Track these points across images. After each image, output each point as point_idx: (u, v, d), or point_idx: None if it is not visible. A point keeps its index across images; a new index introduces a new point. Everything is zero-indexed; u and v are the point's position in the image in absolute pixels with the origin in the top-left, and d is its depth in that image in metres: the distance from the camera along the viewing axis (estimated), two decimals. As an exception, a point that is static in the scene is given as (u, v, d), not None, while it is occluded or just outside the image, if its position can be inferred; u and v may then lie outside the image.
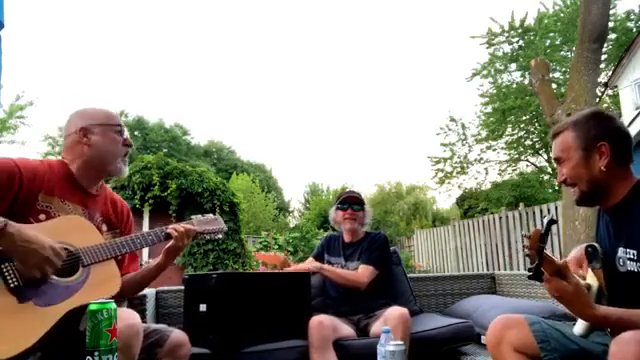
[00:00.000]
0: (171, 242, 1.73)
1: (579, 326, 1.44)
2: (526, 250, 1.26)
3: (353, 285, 2.44)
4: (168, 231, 1.73)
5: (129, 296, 1.79)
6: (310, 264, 2.56)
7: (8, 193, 1.44)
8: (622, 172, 1.39)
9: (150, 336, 1.53)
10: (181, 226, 1.75)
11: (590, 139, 1.39)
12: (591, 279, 1.45)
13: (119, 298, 1.26)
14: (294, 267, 2.62)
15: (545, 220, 1.27)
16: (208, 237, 1.87)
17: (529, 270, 1.26)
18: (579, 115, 1.47)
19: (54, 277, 1.40)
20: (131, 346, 1.31)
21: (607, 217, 1.46)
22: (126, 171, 1.73)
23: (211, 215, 1.91)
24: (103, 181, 1.76)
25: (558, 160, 1.47)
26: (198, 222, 1.83)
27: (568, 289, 1.25)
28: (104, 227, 1.69)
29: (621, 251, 1.35)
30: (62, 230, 1.49)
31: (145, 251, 7.85)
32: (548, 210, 7.56)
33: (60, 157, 1.69)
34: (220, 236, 1.90)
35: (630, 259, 1.31)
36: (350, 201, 2.64)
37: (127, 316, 1.39)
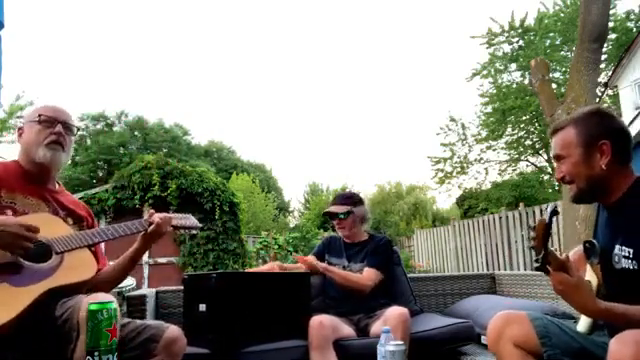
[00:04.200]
0: (152, 227, 1.75)
1: (582, 323, 1.44)
2: (531, 242, 1.26)
3: (357, 288, 2.43)
4: (150, 219, 1.76)
5: (109, 289, 1.79)
6: (317, 263, 2.51)
7: None
8: (622, 170, 1.38)
9: (145, 332, 1.53)
10: (162, 213, 1.81)
11: (591, 137, 1.38)
12: (591, 276, 1.45)
13: (105, 289, 1.28)
14: (301, 260, 2.54)
15: (548, 210, 1.28)
16: (183, 232, 1.94)
17: (536, 261, 1.26)
18: (580, 112, 1.46)
19: (27, 263, 1.42)
20: None
21: (606, 214, 1.46)
22: (50, 157, 1.66)
23: (181, 214, 1.97)
24: (59, 181, 1.81)
25: (558, 157, 1.46)
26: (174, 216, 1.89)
27: (571, 282, 1.25)
28: (70, 220, 1.71)
29: (617, 248, 1.35)
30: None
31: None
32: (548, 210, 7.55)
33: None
34: (195, 232, 1.98)
35: (625, 257, 1.32)
36: (330, 216, 2.64)
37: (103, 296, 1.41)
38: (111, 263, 1.85)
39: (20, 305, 1.33)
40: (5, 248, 1.36)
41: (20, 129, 1.73)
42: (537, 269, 1.28)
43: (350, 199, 2.66)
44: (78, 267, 1.52)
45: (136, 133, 24.86)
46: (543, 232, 1.24)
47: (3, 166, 1.65)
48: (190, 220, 1.95)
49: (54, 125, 1.71)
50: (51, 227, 1.56)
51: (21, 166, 1.69)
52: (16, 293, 1.36)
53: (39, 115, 1.70)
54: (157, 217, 1.78)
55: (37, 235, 1.46)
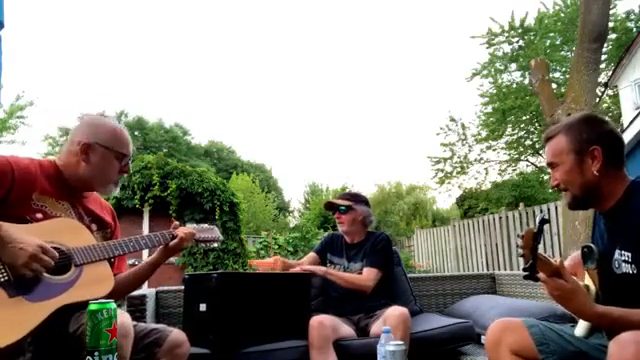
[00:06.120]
0: (175, 241, 1.74)
1: (580, 327, 1.44)
2: (520, 250, 1.26)
3: (358, 289, 2.43)
4: (176, 232, 1.75)
5: (124, 296, 1.81)
6: (316, 269, 2.52)
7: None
8: (615, 175, 1.38)
9: (149, 335, 1.53)
10: (186, 228, 1.79)
11: (582, 143, 1.39)
12: (589, 281, 1.45)
13: (114, 299, 1.26)
14: (299, 267, 2.57)
15: (537, 219, 1.28)
16: (204, 245, 1.89)
17: (524, 270, 1.26)
18: (571, 119, 1.47)
19: (46, 275, 1.40)
20: (120, 347, 1.30)
21: (603, 220, 1.47)
22: (115, 191, 1.75)
23: (206, 225, 1.94)
24: None
25: (551, 165, 1.47)
26: (194, 229, 1.86)
27: (566, 287, 1.25)
28: (94, 226, 1.69)
29: (617, 253, 1.35)
30: (53, 231, 1.48)
31: (145, 250, 7.86)
32: (548, 210, 7.56)
33: (54, 157, 1.69)
34: (216, 245, 1.92)
35: (625, 261, 1.32)
36: (329, 207, 2.65)
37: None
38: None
39: (31, 323, 1.31)
40: (18, 267, 1.33)
41: (87, 147, 1.63)
42: (525, 277, 1.27)
43: (354, 196, 2.68)
44: (95, 283, 1.49)
45: (136, 133, 24.85)
46: (532, 241, 1.24)
47: (39, 165, 1.59)
48: (214, 233, 1.92)
49: (125, 159, 1.72)
50: (74, 234, 1.53)
51: (60, 171, 1.63)
52: (29, 309, 1.34)
53: (121, 153, 1.69)
54: (182, 232, 1.76)
55: (59, 244, 1.44)
